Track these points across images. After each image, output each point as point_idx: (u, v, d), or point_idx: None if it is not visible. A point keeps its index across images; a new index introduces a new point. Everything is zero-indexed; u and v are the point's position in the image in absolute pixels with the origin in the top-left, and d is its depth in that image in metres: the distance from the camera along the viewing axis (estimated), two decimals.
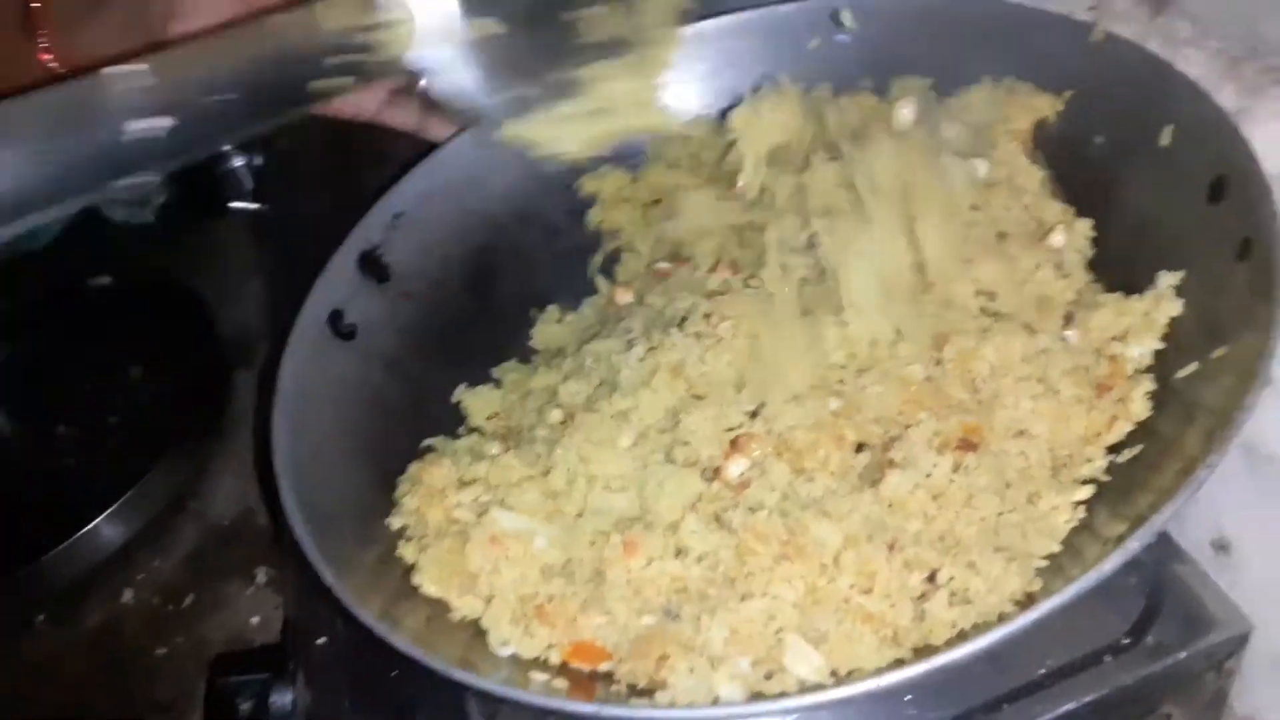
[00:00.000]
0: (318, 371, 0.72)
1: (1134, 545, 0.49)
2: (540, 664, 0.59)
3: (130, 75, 0.50)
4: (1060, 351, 0.63)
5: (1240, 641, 0.62)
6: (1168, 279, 0.64)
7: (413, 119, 0.92)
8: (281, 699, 0.74)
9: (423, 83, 0.97)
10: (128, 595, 1.03)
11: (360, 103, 0.89)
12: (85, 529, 1.02)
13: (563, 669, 0.58)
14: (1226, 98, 0.64)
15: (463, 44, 0.57)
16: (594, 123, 0.63)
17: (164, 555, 1.05)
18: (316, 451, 0.67)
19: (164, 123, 0.50)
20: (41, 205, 0.48)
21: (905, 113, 0.78)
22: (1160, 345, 0.63)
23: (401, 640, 0.54)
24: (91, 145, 0.49)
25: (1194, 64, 0.67)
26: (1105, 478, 0.59)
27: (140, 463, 1.07)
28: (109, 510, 1.03)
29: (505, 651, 0.58)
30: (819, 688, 0.53)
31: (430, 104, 0.93)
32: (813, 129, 0.78)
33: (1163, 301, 0.63)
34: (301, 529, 0.60)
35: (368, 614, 0.55)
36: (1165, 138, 0.66)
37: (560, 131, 0.62)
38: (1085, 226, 0.71)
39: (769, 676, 0.54)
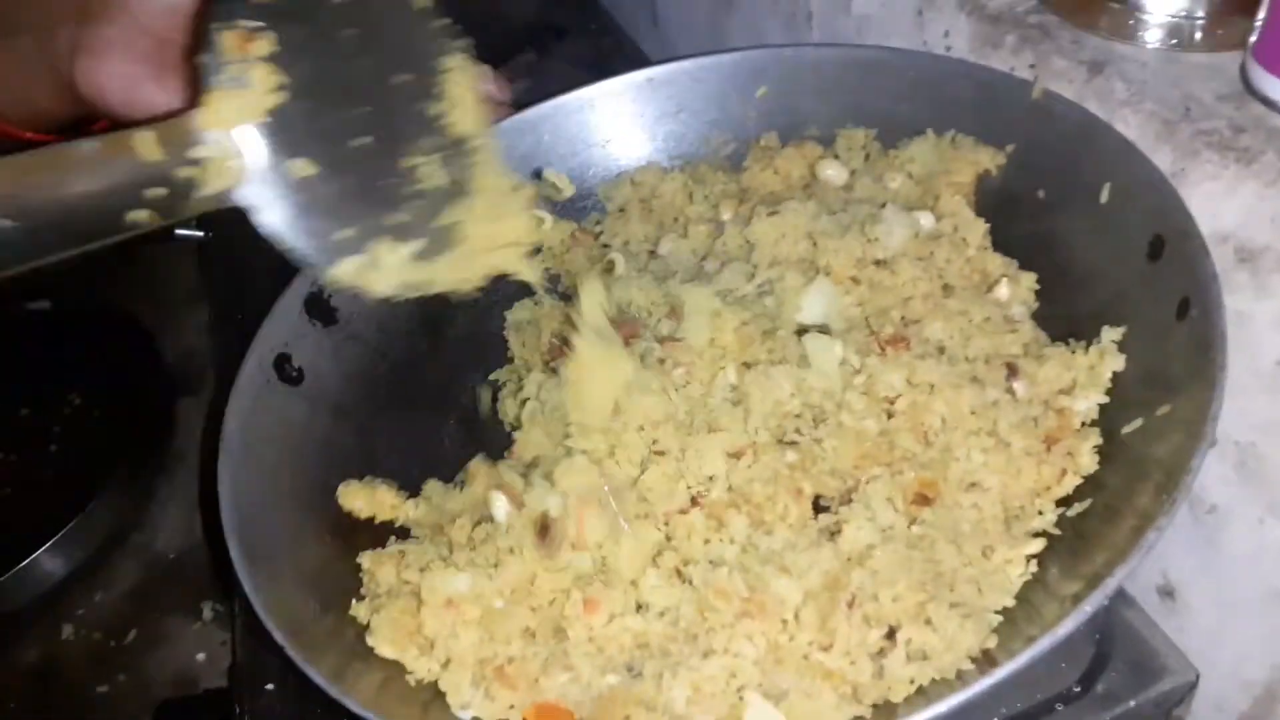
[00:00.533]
0: (263, 417, 0.71)
1: (1088, 608, 0.49)
2: None
3: None
4: (1008, 404, 0.64)
5: (1189, 689, 0.63)
6: (1110, 334, 0.65)
7: None
8: None
9: None
10: (67, 630, 1.01)
11: None
12: (23, 562, 1.00)
13: None
14: (1162, 159, 0.66)
15: (283, 184, 0.55)
16: (459, 264, 0.61)
17: (106, 589, 1.03)
18: (263, 501, 0.66)
19: None
20: None
21: (831, 173, 0.80)
22: (1105, 399, 0.64)
23: (355, 703, 0.53)
24: None
25: (1130, 125, 0.68)
26: (1056, 531, 0.60)
27: (81, 493, 1.05)
28: (49, 543, 1.01)
29: (465, 715, 0.57)
30: None
31: None
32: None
33: (1106, 356, 0.64)
34: (250, 584, 0.59)
35: (320, 675, 0.54)
36: (1104, 195, 0.68)
37: (417, 274, 0.60)
38: (1029, 280, 0.72)
39: None
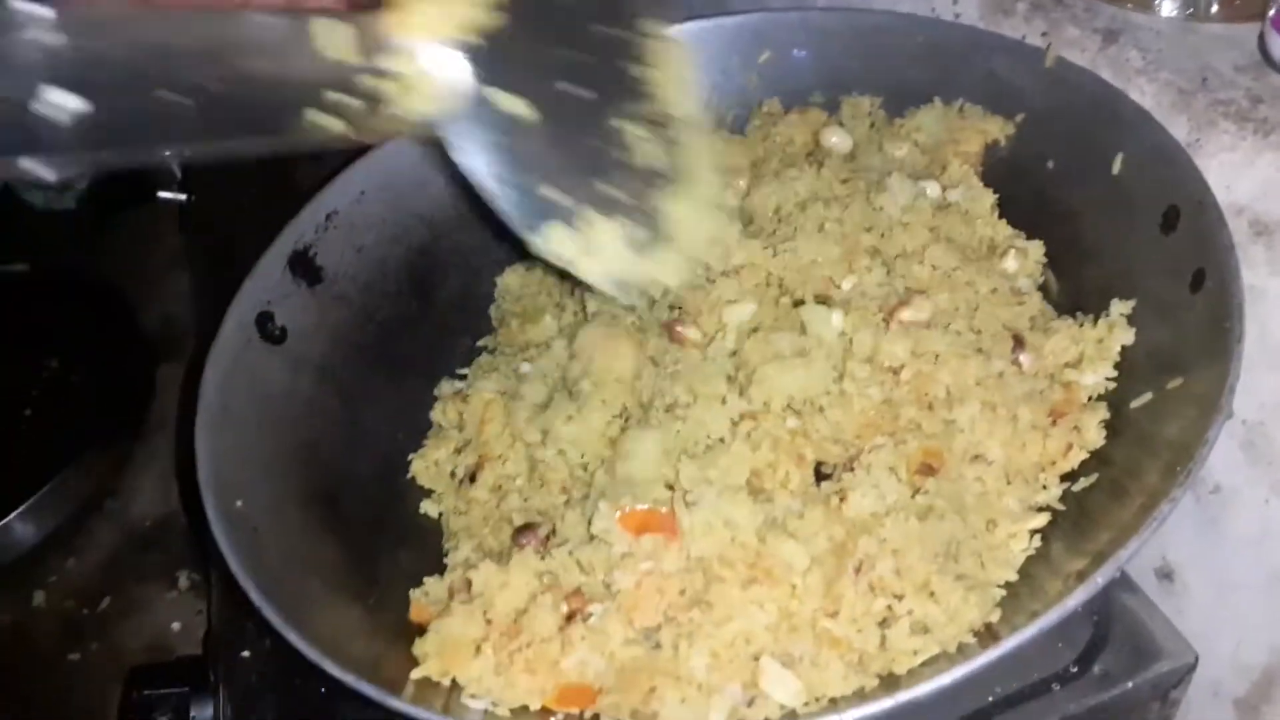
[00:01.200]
0: (244, 378, 0.68)
1: (1098, 581, 0.48)
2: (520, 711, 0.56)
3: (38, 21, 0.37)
4: (1014, 376, 0.62)
5: (1186, 671, 0.62)
6: (1120, 307, 0.63)
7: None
8: (202, 714, 0.70)
9: None
10: (39, 598, 0.98)
11: None
12: None
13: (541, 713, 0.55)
14: (1178, 130, 0.64)
15: (489, 121, 0.47)
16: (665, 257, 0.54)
17: (79, 557, 1.01)
18: (242, 462, 0.64)
19: (71, 106, 0.38)
20: None
21: (835, 140, 0.78)
22: (1113, 374, 0.62)
23: (335, 667, 0.51)
24: None
25: (1145, 95, 0.67)
26: (1060, 506, 0.58)
27: (56, 459, 1.02)
28: (20, 508, 0.99)
29: (477, 704, 0.55)
30: None
31: None
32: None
33: (1115, 329, 0.63)
34: (227, 544, 0.57)
35: (299, 638, 0.52)
36: (1117, 165, 0.66)
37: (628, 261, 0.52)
38: (1038, 250, 0.70)
39: (750, 704, 0.52)
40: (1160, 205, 0.62)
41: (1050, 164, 0.72)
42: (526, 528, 0.63)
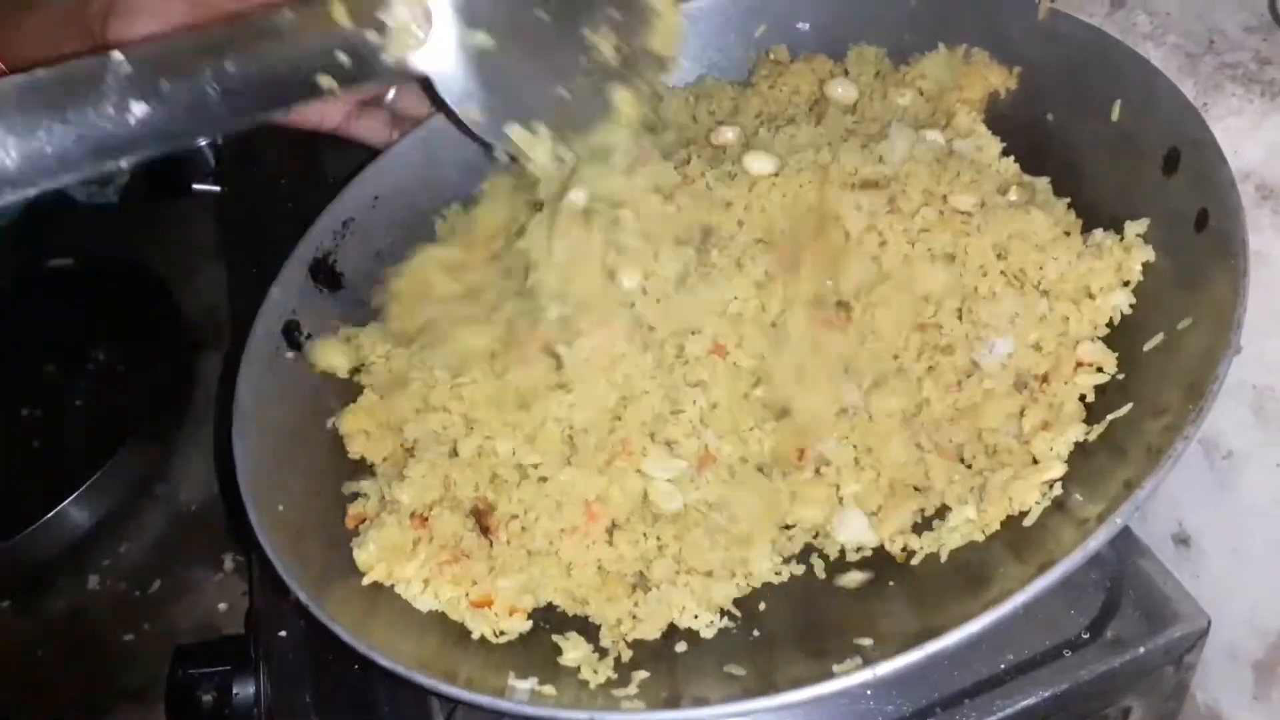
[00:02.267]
0: (275, 386, 0.71)
1: (1117, 521, 0.49)
2: (521, 669, 0.58)
3: (129, 51, 0.51)
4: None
5: (1199, 636, 0.62)
6: (1134, 228, 0.63)
7: (380, 132, 0.90)
8: (244, 691, 0.74)
9: (390, 95, 0.97)
10: (94, 581, 1.02)
11: (325, 112, 0.88)
12: (50, 514, 1.01)
13: (550, 671, 0.58)
14: (1184, 93, 0.64)
15: (470, 55, 0.60)
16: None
17: (130, 541, 1.05)
18: (280, 469, 0.66)
19: (164, 98, 0.51)
20: (23, 188, 0.49)
21: (840, 91, 0.77)
22: (1132, 299, 0.62)
23: (384, 659, 0.54)
24: (80, 127, 0.50)
25: (1153, 59, 0.66)
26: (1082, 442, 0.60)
27: (106, 446, 1.06)
28: (74, 494, 1.02)
29: (523, 685, 0.56)
30: (781, 689, 0.52)
31: (398, 118, 0.92)
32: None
33: (1134, 249, 0.63)
34: (270, 547, 0.59)
35: (346, 631, 0.55)
36: (1116, 112, 0.66)
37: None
38: (1044, 184, 0.70)
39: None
40: (1161, 148, 0.62)
41: (1050, 116, 0.72)
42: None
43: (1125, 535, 0.66)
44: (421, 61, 0.59)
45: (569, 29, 0.63)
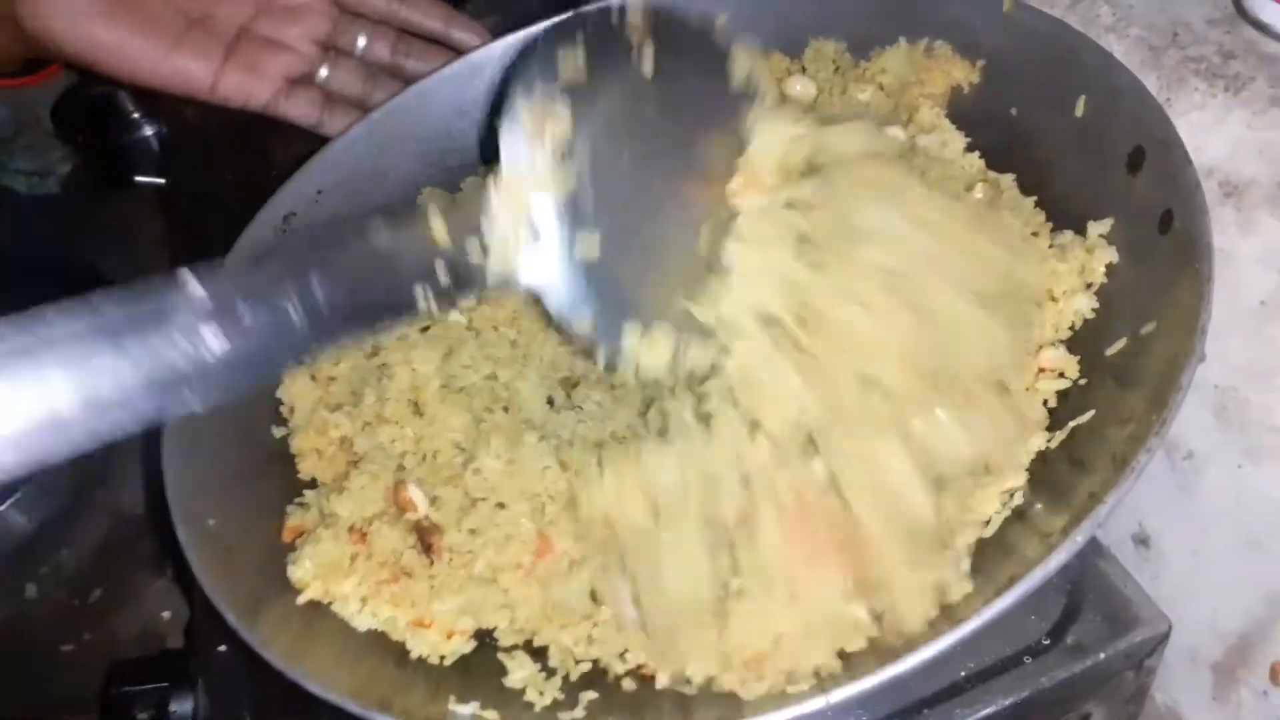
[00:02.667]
0: None
1: (1078, 540, 0.49)
2: (463, 691, 0.56)
3: (202, 274, 0.45)
4: None
5: (1160, 640, 0.61)
6: (1097, 228, 0.62)
7: (311, 113, 0.87)
8: (181, 708, 0.71)
9: (324, 74, 0.93)
10: (31, 590, 0.99)
11: (252, 89, 0.85)
12: None
13: (493, 694, 0.56)
14: (1149, 88, 0.62)
15: (572, 265, 0.53)
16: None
17: (70, 548, 1.01)
18: (213, 480, 0.64)
19: (247, 324, 0.45)
20: (80, 441, 0.42)
21: (798, 89, 0.76)
22: (1095, 303, 0.61)
23: (315, 685, 0.52)
24: (146, 361, 0.43)
25: (1115, 52, 0.65)
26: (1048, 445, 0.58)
27: None
28: (11, 499, 0.99)
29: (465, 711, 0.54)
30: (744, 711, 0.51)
31: (332, 97, 0.89)
32: None
33: (1097, 250, 0.62)
34: (200, 569, 0.57)
35: (277, 656, 0.53)
36: (1080, 108, 0.64)
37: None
38: (1008, 181, 0.68)
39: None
40: (1126, 146, 0.61)
41: (1014, 110, 0.70)
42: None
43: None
44: (527, 273, 0.52)
45: (681, 239, 0.56)
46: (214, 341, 0.44)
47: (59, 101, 1.30)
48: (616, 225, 0.54)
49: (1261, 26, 0.63)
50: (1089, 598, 0.62)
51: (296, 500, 0.66)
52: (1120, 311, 0.60)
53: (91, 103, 1.29)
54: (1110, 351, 0.59)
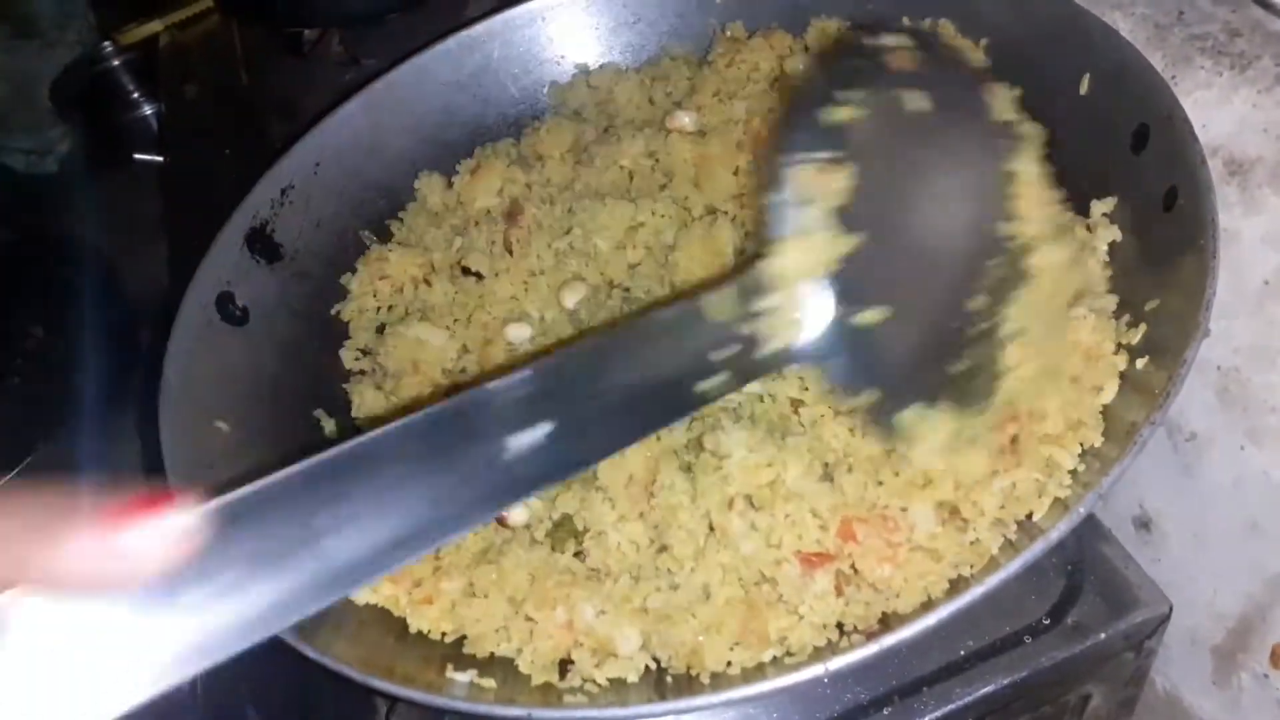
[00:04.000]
0: (206, 360, 0.67)
1: (1080, 511, 0.49)
2: (460, 661, 0.56)
3: (510, 384, 0.42)
4: None
5: (1160, 622, 0.61)
6: (1101, 207, 0.62)
7: None
8: (179, 688, 0.71)
9: None
10: None
11: None
12: None
13: (486, 662, 0.56)
14: (1154, 66, 0.62)
15: (850, 335, 0.48)
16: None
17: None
18: (208, 448, 0.63)
19: (544, 429, 0.42)
20: (414, 549, 0.40)
21: (801, 67, 0.75)
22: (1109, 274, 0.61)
23: (317, 653, 0.51)
24: (474, 470, 0.41)
25: (1121, 29, 0.65)
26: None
27: (42, 427, 1.03)
28: (9, 476, 0.99)
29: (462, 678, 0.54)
30: (735, 683, 0.51)
31: None
32: None
33: (1099, 229, 0.61)
34: None
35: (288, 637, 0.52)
36: (1085, 86, 0.64)
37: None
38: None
39: None
40: (1130, 124, 0.60)
41: (1020, 88, 0.69)
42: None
43: (1087, 519, 0.64)
44: (804, 349, 0.48)
45: (960, 295, 0.51)
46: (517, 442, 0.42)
47: (58, 80, 1.30)
48: (898, 292, 0.50)
49: (1268, 5, 0.62)
50: (1089, 579, 0.62)
51: None
52: (1125, 289, 0.59)
53: (90, 81, 1.29)
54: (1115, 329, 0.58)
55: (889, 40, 0.51)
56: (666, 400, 0.46)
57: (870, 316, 0.49)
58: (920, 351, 0.51)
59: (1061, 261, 0.53)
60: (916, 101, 0.51)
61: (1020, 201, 0.52)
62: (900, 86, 0.51)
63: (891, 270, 0.50)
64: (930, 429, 0.50)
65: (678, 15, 0.81)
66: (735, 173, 0.72)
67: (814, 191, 0.48)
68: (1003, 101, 0.54)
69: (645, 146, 0.75)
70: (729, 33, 0.81)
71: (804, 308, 0.48)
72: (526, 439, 0.42)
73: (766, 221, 0.48)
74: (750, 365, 0.47)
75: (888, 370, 0.50)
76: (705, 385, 0.46)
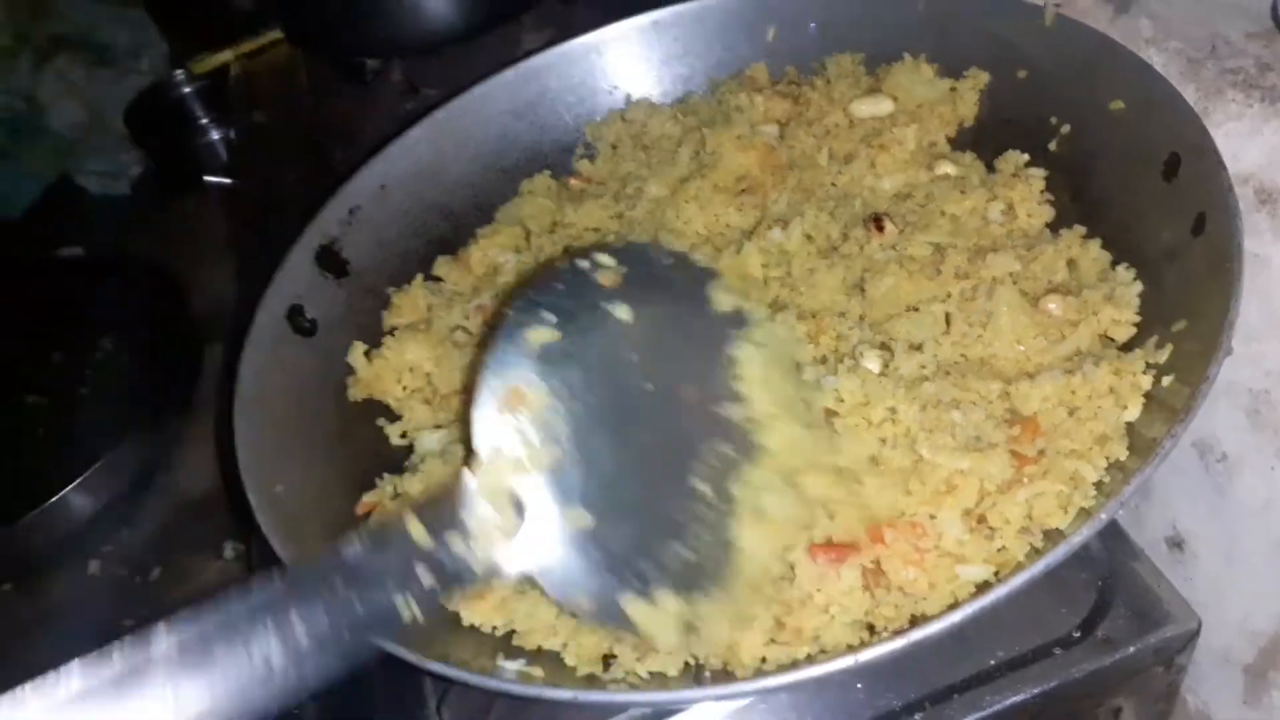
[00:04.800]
0: (278, 369, 0.71)
1: (1102, 517, 0.50)
2: (509, 652, 0.59)
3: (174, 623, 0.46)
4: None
5: (1190, 637, 0.62)
6: (1124, 276, 0.64)
7: None
8: None
9: None
10: (94, 567, 1.02)
11: None
12: (53, 499, 1.02)
13: (534, 653, 0.58)
14: (1186, 99, 0.64)
15: (570, 536, 0.51)
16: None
17: (131, 528, 1.05)
18: (280, 452, 0.67)
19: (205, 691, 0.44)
20: None
21: (872, 107, 0.79)
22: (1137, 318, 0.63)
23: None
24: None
25: (1154, 63, 0.67)
26: None
27: (110, 435, 1.07)
28: (76, 481, 1.02)
29: (509, 666, 0.57)
30: (769, 673, 0.53)
31: None
32: None
33: (1121, 296, 0.63)
34: (270, 531, 0.60)
35: None
36: (1119, 116, 0.67)
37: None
38: (1038, 180, 0.71)
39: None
40: (1162, 153, 0.63)
41: (1053, 119, 0.73)
42: None
43: (1118, 536, 0.66)
44: (516, 560, 0.50)
45: (680, 480, 0.54)
46: (184, 693, 0.44)
47: (132, 106, 1.36)
48: (607, 491, 0.52)
49: None
50: (1120, 594, 0.64)
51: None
52: (1153, 311, 0.61)
53: (162, 107, 1.35)
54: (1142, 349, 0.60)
55: (601, 258, 0.57)
56: (363, 630, 0.47)
57: (582, 515, 0.52)
58: (640, 536, 0.53)
59: (793, 437, 0.57)
60: (621, 313, 0.56)
61: (743, 383, 0.57)
62: (606, 300, 0.56)
63: (600, 469, 0.53)
64: (658, 618, 0.52)
65: (725, 49, 0.85)
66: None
67: (515, 404, 0.52)
68: (723, 294, 0.59)
69: None
70: (749, 72, 0.85)
71: (511, 520, 0.50)
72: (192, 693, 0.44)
73: (472, 435, 0.52)
74: (457, 580, 0.49)
75: (604, 562, 0.52)
76: (407, 607, 0.48)
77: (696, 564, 0.53)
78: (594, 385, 0.54)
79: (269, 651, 0.45)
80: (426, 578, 0.49)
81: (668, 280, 0.60)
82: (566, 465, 0.52)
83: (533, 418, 0.52)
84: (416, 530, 0.49)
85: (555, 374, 0.53)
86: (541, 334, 0.54)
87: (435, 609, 0.49)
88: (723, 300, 0.59)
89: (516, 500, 0.51)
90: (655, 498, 0.54)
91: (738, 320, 0.59)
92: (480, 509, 0.50)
